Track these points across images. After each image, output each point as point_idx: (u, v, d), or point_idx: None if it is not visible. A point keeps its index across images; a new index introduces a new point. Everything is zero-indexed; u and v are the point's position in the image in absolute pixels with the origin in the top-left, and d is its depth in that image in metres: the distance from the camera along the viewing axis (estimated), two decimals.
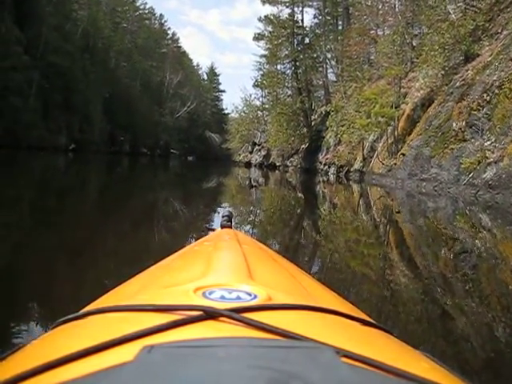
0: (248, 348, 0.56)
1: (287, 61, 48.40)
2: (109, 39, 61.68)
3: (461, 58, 20.28)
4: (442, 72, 21.22)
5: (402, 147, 22.74)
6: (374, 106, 25.84)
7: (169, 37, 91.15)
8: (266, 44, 51.38)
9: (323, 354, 0.54)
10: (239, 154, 64.21)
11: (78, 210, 8.55)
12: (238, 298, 0.77)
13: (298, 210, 12.37)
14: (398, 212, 12.46)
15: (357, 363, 0.56)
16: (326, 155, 37.65)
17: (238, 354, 0.53)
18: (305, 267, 4.44)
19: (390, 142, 24.89)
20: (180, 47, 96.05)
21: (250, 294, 0.78)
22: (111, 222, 7.53)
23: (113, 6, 68.93)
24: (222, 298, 0.76)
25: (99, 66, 54.90)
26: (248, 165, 55.60)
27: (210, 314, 0.67)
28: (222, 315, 0.67)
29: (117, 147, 58.41)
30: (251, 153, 59.34)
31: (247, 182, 23.90)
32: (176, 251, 1.59)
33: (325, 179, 30.11)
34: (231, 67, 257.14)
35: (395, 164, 22.35)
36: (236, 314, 0.66)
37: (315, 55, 47.05)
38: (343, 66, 38.95)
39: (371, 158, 28.01)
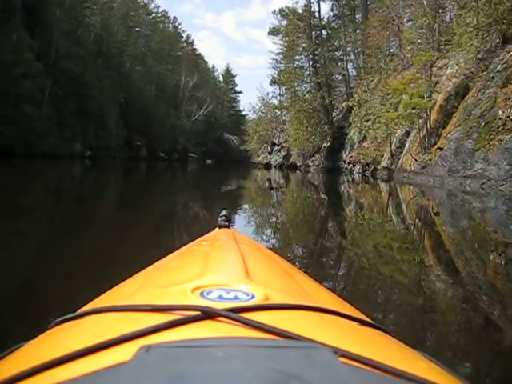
0: (246, 348, 0.57)
1: (305, 55, 46.69)
2: (122, 44, 61.09)
3: (497, 40, 18.61)
4: (479, 56, 19.49)
5: (436, 141, 21.12)
6: (401, 98, 24.42)
7: (183, 39, 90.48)
8: (282, 38, 50.06)
9: (321, 353, 0.55)
10: (258, 156, 63.29)
11: (97, 216, 8.34)
12: (236, 297, 0.77)
13: (322, 212, 11.45)
14: (437, 213, 11.06)
15: (354, 363, 0.56)
16: (349, 153, 36.50)
17: (236, 354, 0.54)
18: (330, 276, 4.55)
19: (421, 135, 23.24)
20: (195, 49, 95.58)
21: (247, 294, 0.79)
22: (131, 226, 7.28)
23: (125, 10, 68.19)
24: (220, 297, 0.77)
25: (113, 71, 54.40)
26: (267, 166, 54.51)
27: (207, 314, 0.68)
28: (220, 315, 0.68)
29: (134, 152, 57.70)
30: (270, 153, 58.27)
31: (267, 184, 23.18)
32: (173, 251, 1.58)
33: (349, 179, 28.91)
34: (247, 68, 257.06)
35: (430, 160, 20.64)
36: (234, 314, 0.67)
37: (334, 47, 45.52)
38: (365, 57, 37.47)
39: (400, 154, 26.70)
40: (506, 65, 16.74)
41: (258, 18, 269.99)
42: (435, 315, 3.48)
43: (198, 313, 0.67)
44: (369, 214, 10.89)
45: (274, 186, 21.74)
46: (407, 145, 25.68)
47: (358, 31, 41.33)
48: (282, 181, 27.45)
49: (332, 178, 30.82)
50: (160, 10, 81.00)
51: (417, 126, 24.10)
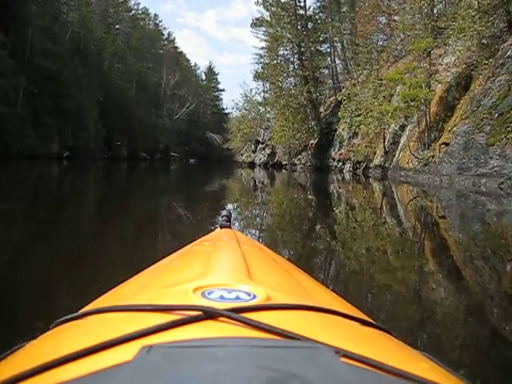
0: (247, 348, 0.57)
1: (290, 47, 45.15)
2: (101, 41, 59.62)
3: (502, 24, 17.19)
4: (484, 41, 18.04)
5: (437, 135, 19.71)
6: (395, 90, 23.22)
7: (165, 37, 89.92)
8: (266, 30, 48.58)
9: (322, 353, 0.56)
10: (242, 154, 62.75)
11: (76, 220, 7.97)
12: (237, 297, 0.78)
13: (310, 214, 10.78)
14: (443, 217, 9.92)
15: (356, 363, 0.57)
16: (339, 150, 35.47)
17: (237, 354, 0.55)
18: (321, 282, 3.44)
19: (420, 130, 21.89)
20: (176, 47, 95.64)
21: (249, 294, 0.79)
22: (113, 229, 7.08)
23: (104, 7, 66.92)
24: (221, 297, 0.77)
25: (92, 68, 52.97)
26: (252, 165, 53.95)
27: (209, 314, 0.68)
28: (221, 315, 0.68)
29: (114, 152, 56.75)
30: (254, 152, 57.59)
31: (251, 184, 22.65)
32: (175, 251, 1.60)
33: (339, 178, 28.00)
34: (230, 67, 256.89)
35: (433, 156, 19.14)
36: (235, 314, 0.68)
37: (321, 39, 44.04)
38: (355, 47, 36.22)
39: (395, 150, 25.42)
40: None
41: (240, 17, 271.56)
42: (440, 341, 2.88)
43: (200, 313, 0.68)
44: (361, 215, 10.05)
45: (259, 186, 21.11)
46: (403, 140, 24.43)
47: (345, 22, 40.39)
48: (267, 180, 26.85)
49: (320, 177, 29.96)
50: (140, 7, 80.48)
51: (414, 120, 22.85)
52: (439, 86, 21.66)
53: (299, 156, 43.89)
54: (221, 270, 1.03)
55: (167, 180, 25.02)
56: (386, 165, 26.11)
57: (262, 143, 55.01)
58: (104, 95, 53.89)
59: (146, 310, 0.73)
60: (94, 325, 0.77)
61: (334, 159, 36.06)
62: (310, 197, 16.07)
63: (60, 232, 6.59)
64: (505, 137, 14.29)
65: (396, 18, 31.53)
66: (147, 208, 10.17)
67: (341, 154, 34.63)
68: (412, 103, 20.88)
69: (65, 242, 5.80)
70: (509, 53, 15.62)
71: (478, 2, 17.92)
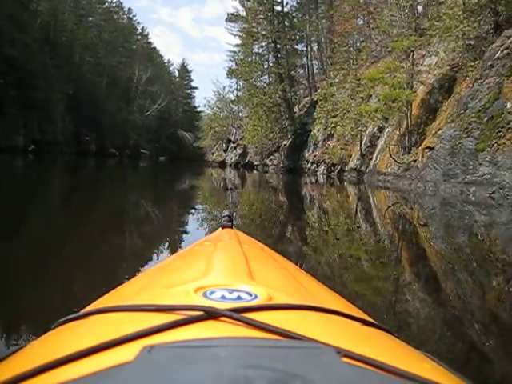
0: (249, 348, 0.57)
1: (266, 43, 44.37)
2: (72, 33, 58.12)
3: (489, 25, 16.54)
4: (471, 42, 17.32)
5: (418, 139, 19.01)
6: (374, 91, 22.60)
7: (138, 32, 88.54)
8: (242, 26, 47.82)
9: (324, 353, 0.56)
10: (212, 153, 62.41)
11: (38, 219, 7.51)
12: (239, 298, 0.78)
13: (281, 217, 10.64)
14: (425, 225, 9.36)
15: (357, 363, 0.57)
16: (313, 152, 34.83)
17: (239, 354, 0.55)
18: None
19: (400, 133, 21.19)
20: (150, 43, 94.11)
21: (250, 294, 0.80)
22: (78, 230, 6.68)
23: None
24: (223, 298, 0.78)
25: (61, 60, 51.59)
26: (222, 164, 53.62)
27: (210, 314, 0.69)
28: (223, 315, 0.69)
29: (82, 147, 55.45)
30: (226, 151, 57.15)
31: (222, 184, 22.45)
32: (177, 251, 1.66)
33: (313, 180, 27.58)
34: (203, 66, 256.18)
35: (415, 161, 18.39)
36: (237, 314, 0.68)
37: (298, 37, 43.42)
38: (334, 46, 35.62)
39: (371, 154, 24.81)
40: (507, 51, 14.54)
41: (215, 16, 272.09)
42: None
43: (201, 313, 0.68)
44: (335, 220, 9.82)
45: (230, 186, 20.94)
46: (381, 143, 23.79)
47: (323, 20, 39.73)
48: (237, 181, 26.62)
49: (293, 178, 29.70)
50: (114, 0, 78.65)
51: (393, 123, 22.19)
52: (421, 87, 21.01)
53: (271, 157, 43.42)
54: (222, 270, 1.02)
55: (136, 178, 24.27)
56: (362, 168, 25.52)
57: (234, 142, 54.46)
58: (73, 88, 52.47)
59: (148, 310, 0.74)
60: (96, 325, 0.77)
61: (307, 161, 35.40)
62: (281, 199, 15.85)
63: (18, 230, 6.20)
64: (496, 142, 13.45)
65: (376, 17, 31.10)
66: (113, 211, 9.49)
67: (315, 156, 34.01)
68: (393, 104, 20.18)
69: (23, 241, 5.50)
70: (498, 54, 14.89)
71: (464, 2, 17.26)
